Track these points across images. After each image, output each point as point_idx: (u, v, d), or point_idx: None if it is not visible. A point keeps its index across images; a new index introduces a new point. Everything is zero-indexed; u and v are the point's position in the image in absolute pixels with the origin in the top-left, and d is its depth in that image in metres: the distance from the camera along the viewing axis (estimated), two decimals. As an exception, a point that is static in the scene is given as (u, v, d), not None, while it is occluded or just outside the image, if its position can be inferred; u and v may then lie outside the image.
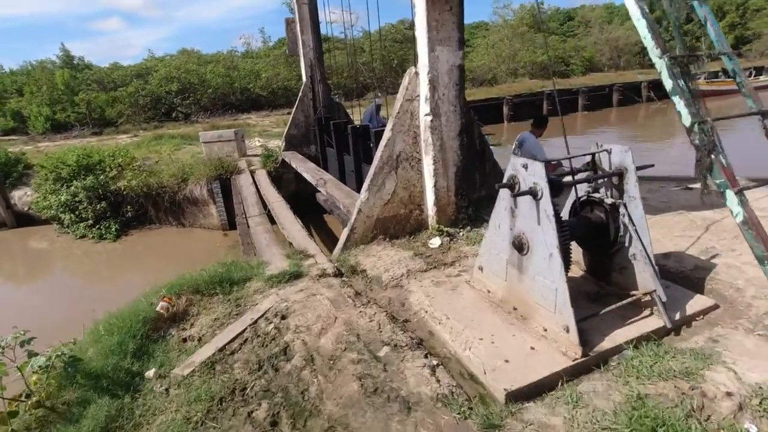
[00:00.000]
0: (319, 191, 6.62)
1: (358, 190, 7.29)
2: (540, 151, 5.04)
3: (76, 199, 9.60)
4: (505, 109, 20.53)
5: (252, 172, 9.39)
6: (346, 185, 8.02)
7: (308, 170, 7.56)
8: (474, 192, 4.98)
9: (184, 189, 9.28)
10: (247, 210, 7.27)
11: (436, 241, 4.61)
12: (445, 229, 4.72)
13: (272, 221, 6.54)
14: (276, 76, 24.78)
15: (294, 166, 8.33)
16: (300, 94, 9.56)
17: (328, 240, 8.13)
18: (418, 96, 4.47)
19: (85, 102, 20.97)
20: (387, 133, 4.49)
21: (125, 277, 7.93)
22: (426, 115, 4.43)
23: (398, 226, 4.83)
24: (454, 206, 4.83)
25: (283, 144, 9.68)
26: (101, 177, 9.75)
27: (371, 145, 5.91)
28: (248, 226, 6.47)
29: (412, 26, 4.40)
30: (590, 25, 43.75)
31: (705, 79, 26.87)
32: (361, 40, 27.96)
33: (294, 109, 9.64)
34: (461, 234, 4.78)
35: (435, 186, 4.61)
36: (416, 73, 4.41)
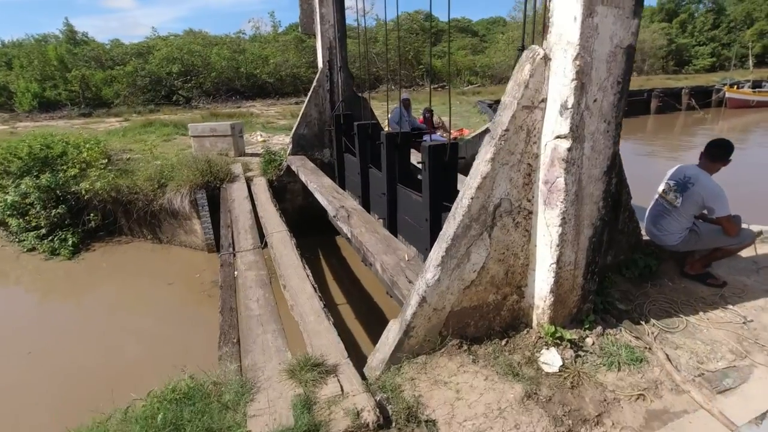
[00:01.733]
0: (340, 226, 4.61)
1: (393, 224, 5.31)
2: (720, 197, 3.02)
3: (27, 201, 7.61)
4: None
5: (248, 180, 7.36)
6: (370, 212, 6.02)
7: (323, 190, 5.53)
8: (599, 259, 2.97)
9: (162, 197, 7.27)
10: (237, 238, 5.26)
11: (553, 359, 2.61)
12: (565, 333, 2.72)
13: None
14: (285, 62, 22.65)
15: (303, 179, 6.30)
16: (314, 83, 7.49)
17: (350, 284, 6.14)
18: (544, 101, 2.44)
19: (79, 79, 18.95)
20: (482, 167, 2.46)
21: (65, 314, 5.96)
22: (559, 137, 2.40)
23: (482, 320, 2.84)
24: (580, 293, 2.82)
25: (290, 146, 7.64)
26: (60, 175, 7.75)
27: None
28: (235, 270, 4.48)
29: None
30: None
31: (750, 88, 24.64)
32: (373, 30, 25.83)
33: (306, 103, 7.58)
34: (589, 342, 2.78)
35: (558, 261, 2.60)
36: (545, 58, 2.38)
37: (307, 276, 3.97)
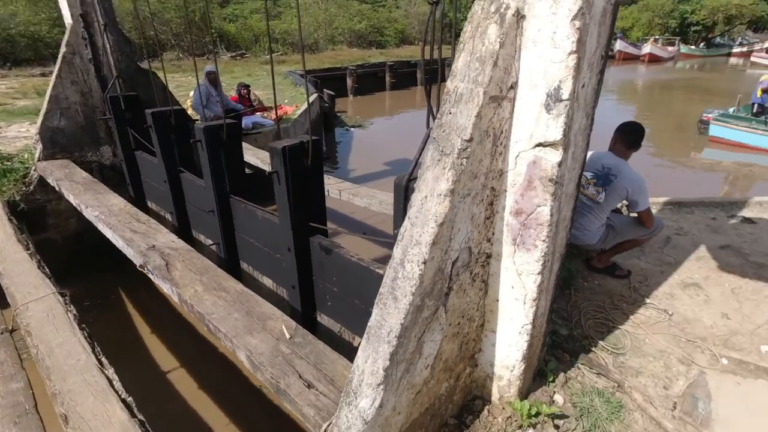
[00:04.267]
0: (157, 282, 2.89)
1: (231, 249, 3.84)
2: (645, 190, 2.69)
3: None
4: (349, 81, 17.95)
5: (-32, 208, 4.59)
6: (193, 233, 4.38)
7: (112, 220, 3.57)
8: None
9: None
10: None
11: (538, 453, 1.86)
12: (541, 406, 1.99)
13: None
14: (11, 17, 16.47)
15: (74, 202, 4.08)
16: (62, 49, 4.97)
17: (198, 353, 4.28)
18: (514, 87, 1.50)
19: None
20: (434, 206, 1.41)
21: None
22: (543, 146, 1.51)
23: (434, 420, 1.88)
24: (542, 341, 2.12)
25: (39, 146, 5.03)
26: None
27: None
28: None
29: None
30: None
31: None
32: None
33: (53, 81, 5.00)
34: (560, 401, 2.13)
35: (534, 319, 1.79)
36: (518, 16, 1.41)
37: (111, 384, 2.32)
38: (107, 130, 5.33)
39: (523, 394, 2.06)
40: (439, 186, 1.41)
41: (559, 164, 1.50)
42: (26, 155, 5.38)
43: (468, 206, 1.51)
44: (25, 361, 2.79)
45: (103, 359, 2.53)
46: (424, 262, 1.41)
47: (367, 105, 16.88)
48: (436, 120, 1.47)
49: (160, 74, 4.75)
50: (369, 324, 1.51)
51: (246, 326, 2.25)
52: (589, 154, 2.79)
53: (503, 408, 2.03)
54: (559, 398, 2.14)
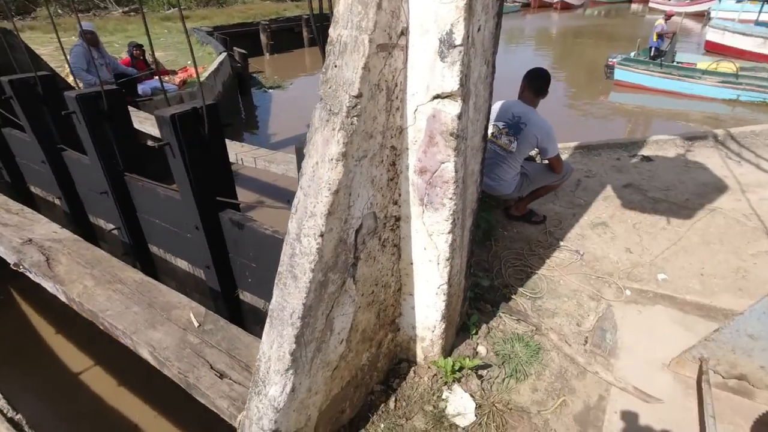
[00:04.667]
0: (38, 281, 2.50)
1: (135, 230, 3.49)
2: (553, 137, 2.73)
3: None
4: (263, 38, 16.70)
5: None
6: (87, 217, 3.92)
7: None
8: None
9: None
10: None
11: (464, 404, 1.88)
12: (464, 361, 2.01)
13: None
14: None
15: None
16: None
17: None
18: (404, 33, 1.35)
19: None
20: (327, 173, 1.26)
21: None
22: (441, 98, 1.40)
23: (358, 391, 1.83)
24: (462, 296, 2.12)
25: None
26: None
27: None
28: None
29: None
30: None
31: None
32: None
33: None
34: (483, 351, 2.18)
35: (449, 279, 1.76)
36: (399, -51, 1.25)
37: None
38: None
39: (447, 351, 2.07)
40: (330, 150, 1.26)
41: (459, 116, 1.40)
42: None
43: (366, 169, 1.39)
44: None
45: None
46: (321, 235, 1.28)
47: (285, 63, 15.92)
48: (321, 75, 1.30)
49: (36, 35, 4.01)
50: (270, 307, 1.38)
51: (147, 320, 2.03)
52: (499, 103, 2.76)
53: (428, 367, 2.03)
54: (482, 349, 2.18)
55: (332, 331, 1.49)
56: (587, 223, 3.27)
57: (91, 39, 5.51)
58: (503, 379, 2.05)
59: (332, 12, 1.28)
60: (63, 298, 2.29)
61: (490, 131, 2.78)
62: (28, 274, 2.45)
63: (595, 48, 18.88)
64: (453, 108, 1.39)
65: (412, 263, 1.80)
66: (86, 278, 2.32)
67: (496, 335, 2.26)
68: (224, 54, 10.19)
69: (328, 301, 1.41)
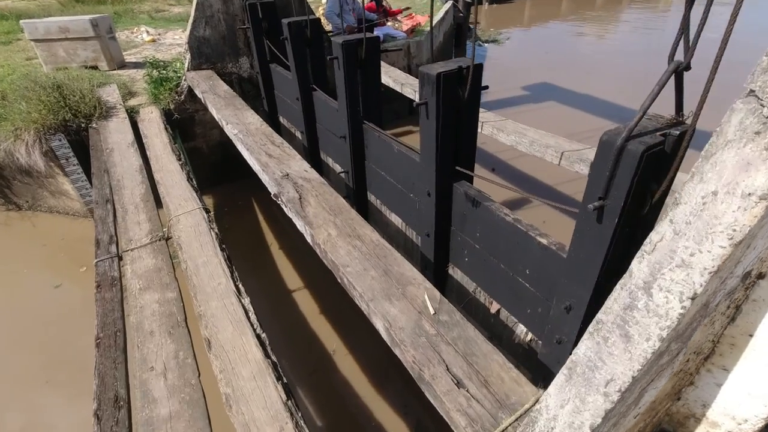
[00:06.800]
0: (290, 216, 2.76)
1: (360, 179, 3.61)
2: None
3: None
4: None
5: (133, 113, 5.00)
6: (322, 156, 4.23)
7: (249, 140, 3.50)
8: None
9: (-4, 148, 4.78)
10: (123, 223, 3.31)
11: None
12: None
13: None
14: None
15: (216, 116, 4.13)
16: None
17: (324, 278, 4.41)
18: None
19: None
20: (735, 213, 0.84)
21: None
22: None
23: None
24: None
25: (187, 56, 5.18)
26: None
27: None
28: (123, 291, 2.66)
29: None
30: None
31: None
32: None
33: (199, -15, 4.97)
34: None
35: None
36: None
37: (248, 315, 2.31)
38: (245, 40, 5.25)
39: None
40: (752, 180, 0.82)
41: None
42: (178, 64, 5.62)
43: (780, 213, 0.91)
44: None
45: (240, 286, 2.53)
46: (692, 298, 0.89)
47: (502, 14, 14.85)
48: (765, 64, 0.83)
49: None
50: (573, 358, 1.08)
51: (384, 289, 1.98)
52: None
53: (708, 460, 1.52)
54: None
55: (637, 405, 1.13)
56: None
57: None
58: None
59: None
60: (309, 240, 2.45)
61: None
62: (283, 207, 2.70)
63: None
64: None
65: (751, 335, 1.27)
66: (330, 226, 2.42)
67: None
68: (450, 2, 9.88)
69: (653, 374, 1.04)
